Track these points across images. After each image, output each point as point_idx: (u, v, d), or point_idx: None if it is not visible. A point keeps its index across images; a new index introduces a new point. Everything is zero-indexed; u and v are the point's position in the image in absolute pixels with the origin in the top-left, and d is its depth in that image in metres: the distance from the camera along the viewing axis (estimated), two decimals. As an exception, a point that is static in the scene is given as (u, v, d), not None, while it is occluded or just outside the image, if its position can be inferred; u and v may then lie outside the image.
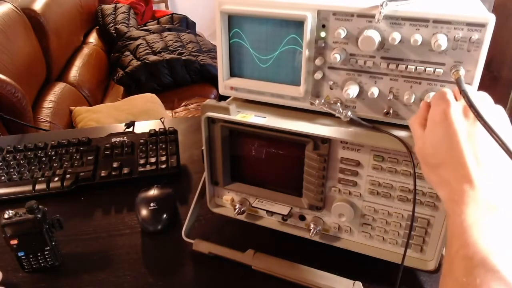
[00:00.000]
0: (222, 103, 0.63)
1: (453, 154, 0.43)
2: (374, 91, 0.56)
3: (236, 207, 0.69)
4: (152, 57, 2.34)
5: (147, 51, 2.40)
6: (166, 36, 2.56)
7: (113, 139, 0.98)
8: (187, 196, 0.85)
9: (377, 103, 0.58)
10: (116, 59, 2.49)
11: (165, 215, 0.76)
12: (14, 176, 0.88)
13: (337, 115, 0.57)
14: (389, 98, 0.56)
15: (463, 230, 0.39)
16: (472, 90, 0.48)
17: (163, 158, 0.91)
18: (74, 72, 2.17)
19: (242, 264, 0.67)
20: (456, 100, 0.46)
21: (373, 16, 0.52)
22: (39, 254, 0.66)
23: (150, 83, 2.31)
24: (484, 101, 0.46)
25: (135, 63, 2.33)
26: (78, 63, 2.25)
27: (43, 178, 0.87)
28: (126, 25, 2.68)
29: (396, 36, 0.51)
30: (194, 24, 2.98)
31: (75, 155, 0.93)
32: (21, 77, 1.60)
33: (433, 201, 0.57)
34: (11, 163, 0.91)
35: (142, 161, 0.91)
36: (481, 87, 0.53)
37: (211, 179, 0.70)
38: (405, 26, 0.51)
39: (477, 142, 0.42)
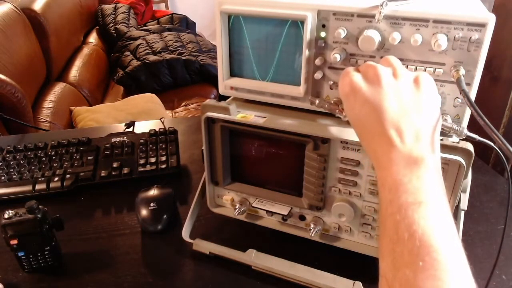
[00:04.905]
0: (222, 103, 0.63)
1: (374, 124, 0.45)
2: (374, 91, 0.56)
3: (236, 207, 0.69)
4: (152, 57, 2.34)
5: (147, 51, 2.40)
6: (166, 36, 2.56)
7: (113, 139, 0.98)
8: (187, 196, 0.85)
9: (377, 103, 0.58)
10: (116, 59, 2.49)
11: (165, 215, 0.76)
12: (14, 176, 0.88)
13: (337, 115, 0.57)
14: (389, 98, 0.56)
15: (388, 189, 0.41)
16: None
17: (163, 158, 0.91)
18: (74, 72, 2.17)
19: (242, 264, 0.67)
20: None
21: (373, 16, 0.52)
22: (39, 254, 0.66)
23: (150, 83, 2.31)
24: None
25: (135, 63, 2.33)
26: (78, 63, 2.25)
27: (43, 178, 0.87)
28: (126, 25, 2.68)
29: (396, 36, 0.51)
30: (194, 24, 2.98)
31: (75, 155, 0.93)
32: (21, 77, 1.60)
33: (433, 201, 0.57)
34: (11, 163, 0.91)
35: (142, 161, 0.91)
36: (481, 87, 0.53)
37: (211, 179, 0.70)
38: (405, 26, 0.51)
39: (392, 101, 0.44)
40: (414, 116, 0.44)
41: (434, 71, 0.52)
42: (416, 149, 0.42)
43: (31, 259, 0.66)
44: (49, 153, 0.94)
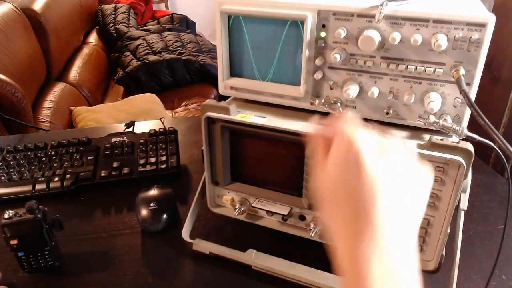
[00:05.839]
0: (222, 103, 0.63)
1: (358, 199, 0.37)
2: (374, 91, 0.56)
3: (236, 207, 0.69)
4: (152, 57, 2.34)
5: (147, 51, 2.40)
6: (166, 36, 2.56)
7: (113, 139, 0.98)
8: (187, 196, 0.85)
9: (377, 103, 0.58)
10: (116, 59, 2.49)
11: (165, 215, 0.76)
12: (14, 176, 0.88)
13: (337, 115, 0.57)
14: (389, 98, 0.56)
15: (357, 277, 0.35)
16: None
17: (163, 158, 0.91)
18: (74, 72, 2.17)
19: (242, 264, 0.67)
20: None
21: (373, 16, 0.52)
22: (39, 254, 0.66)
23: (150, 83, 2.31)
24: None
25: (135, 63, 2.33)
26: (78, 63, 2.25)
27: (43, 178, 0.87)
28: (126, 25, 2.68)
29: (396, 36, 0.51)
30: (194, 24, 2.98)
31: (75, 155, 0.93)
32: (21, 77, 1.60)
33: (433, 201, 0.57)
34: (11, 163, 0.91)
35: (142, 161, 0.91)
36: (481, 87, 0.53)
37: (211, 179, 0.70)
38: (405, 26, 0.51)
39: (383, 181, 0.37)
40: (404, 220, 0.39)
41: (434, 71, 0.52)
42: (393, 238, 0.37)
43: (31, 259, 0.66)
44: (49, 153, 0.94)
